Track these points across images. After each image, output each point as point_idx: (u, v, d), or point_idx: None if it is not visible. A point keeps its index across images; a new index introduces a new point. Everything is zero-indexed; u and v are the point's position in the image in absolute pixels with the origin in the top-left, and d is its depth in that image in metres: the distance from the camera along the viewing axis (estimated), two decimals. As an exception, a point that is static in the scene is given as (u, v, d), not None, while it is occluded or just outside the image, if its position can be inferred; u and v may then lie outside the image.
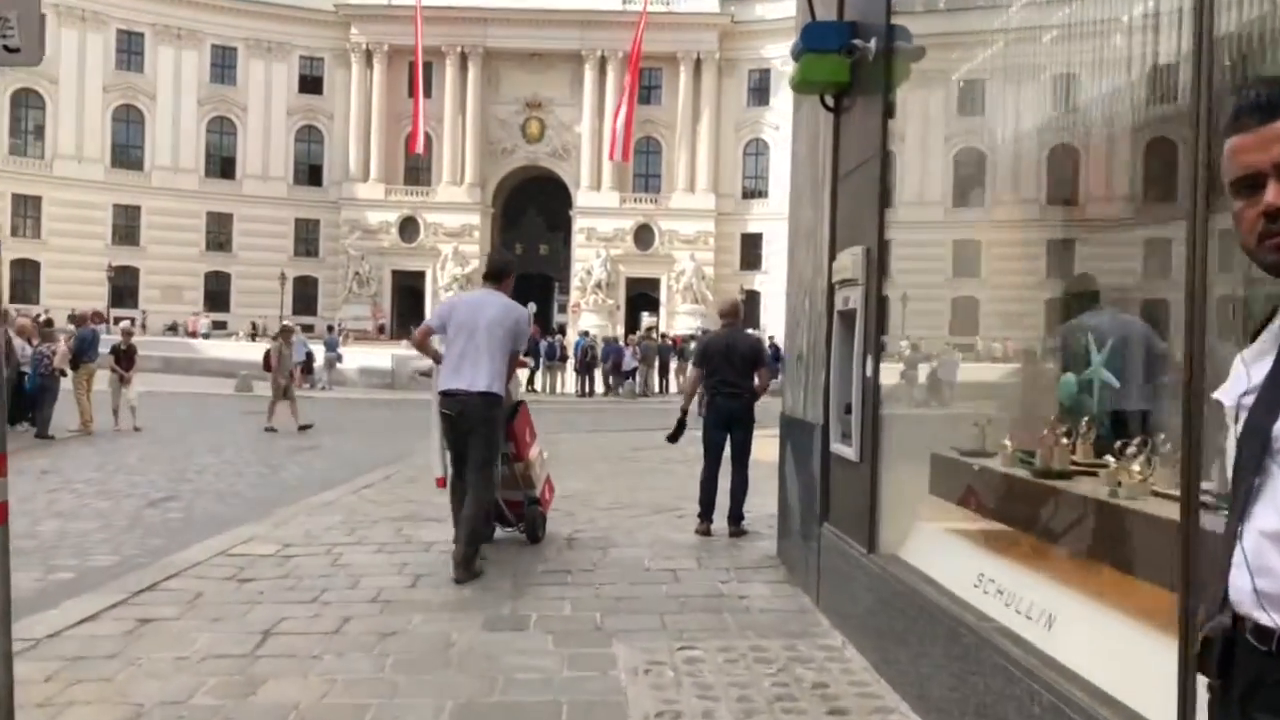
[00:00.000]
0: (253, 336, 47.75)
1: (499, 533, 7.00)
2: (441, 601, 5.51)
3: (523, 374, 29.02)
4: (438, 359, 6.33)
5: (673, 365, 29.91)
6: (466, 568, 5.93)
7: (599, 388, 28.49)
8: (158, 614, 5.15)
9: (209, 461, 12.03)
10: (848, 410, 5.09)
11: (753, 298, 57.40)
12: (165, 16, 53.50)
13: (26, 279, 50.95)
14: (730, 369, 7.39)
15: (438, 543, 6.98)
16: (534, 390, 28.56)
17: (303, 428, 16.16)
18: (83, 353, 14.29)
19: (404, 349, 32.38)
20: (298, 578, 5.97)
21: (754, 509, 7.49)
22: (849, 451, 5.00)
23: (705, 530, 7.36)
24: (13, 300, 46.84)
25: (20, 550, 6.71)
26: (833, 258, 5.47)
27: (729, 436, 7.43)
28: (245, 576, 5.97)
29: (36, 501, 8.70)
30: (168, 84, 53.96)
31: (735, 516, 7.36)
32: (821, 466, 5.52)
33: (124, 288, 51.67)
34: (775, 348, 21.47)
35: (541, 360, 28.37)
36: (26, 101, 51.43)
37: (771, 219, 57.57)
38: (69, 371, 14.03)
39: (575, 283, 56.79)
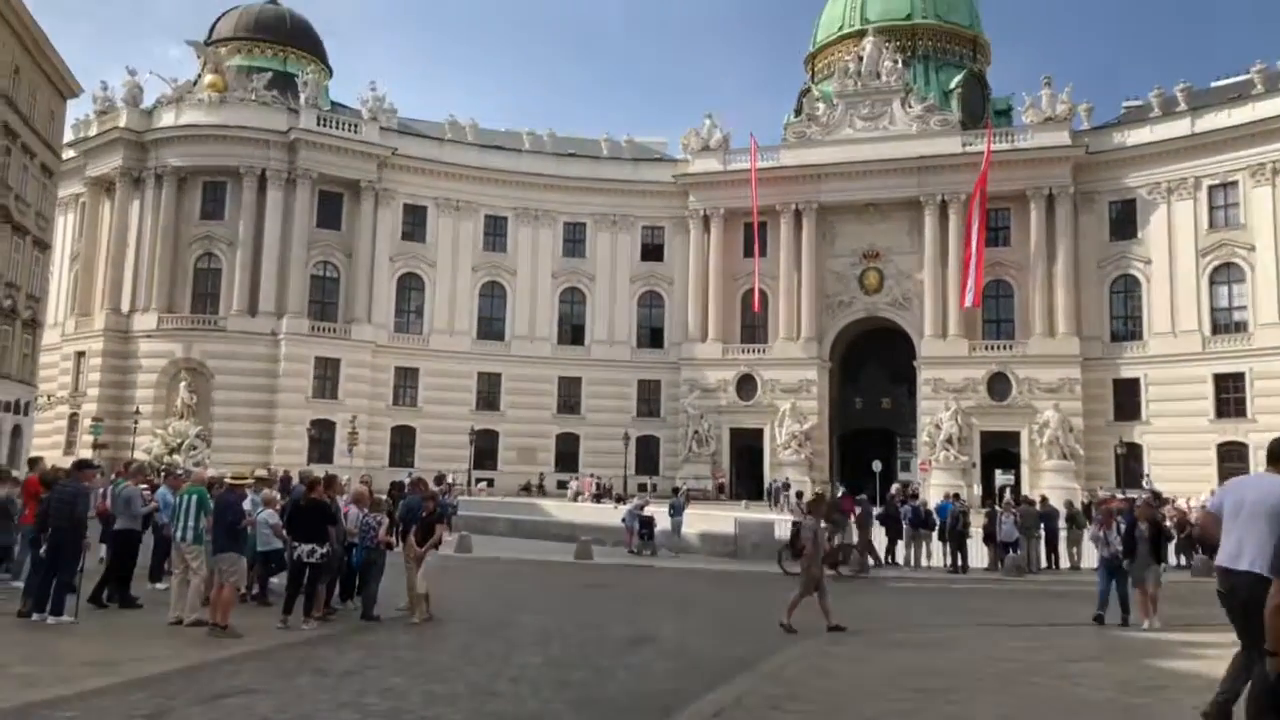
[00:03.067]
0: (597, 498, 48.07)
1: None
2: None
3: (879, 542, 25.35)
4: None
5: (1062, 534, 24.86)
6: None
7: (974, 561, 24.20)
8: None
9: (530, 661, 10.06)
10: None
11: (1132, 451, 49.82)
12: (525, 200, 58.41)
13: (404, 444, 55.62)
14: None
15: None
16: (894, 563, 24.93)
17: (833, 629, 12.50)
18: (410, 521, 13.30)
19: (745, 512, 30.01)
20: None
21: None
22: None
23: None
24: (390, 464, 51.02)
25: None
26: None
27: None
28: None
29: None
30: (526, 261, 58.31)
31: None
32: None
33: (484, 449, 54.81)
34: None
35: (905, 528, 24.71)
36: (410, 285, 57.53)
37: (1149, 363, 50.31)
38: (395, 544, 13.08)
39: (923, 438, 52.44)
